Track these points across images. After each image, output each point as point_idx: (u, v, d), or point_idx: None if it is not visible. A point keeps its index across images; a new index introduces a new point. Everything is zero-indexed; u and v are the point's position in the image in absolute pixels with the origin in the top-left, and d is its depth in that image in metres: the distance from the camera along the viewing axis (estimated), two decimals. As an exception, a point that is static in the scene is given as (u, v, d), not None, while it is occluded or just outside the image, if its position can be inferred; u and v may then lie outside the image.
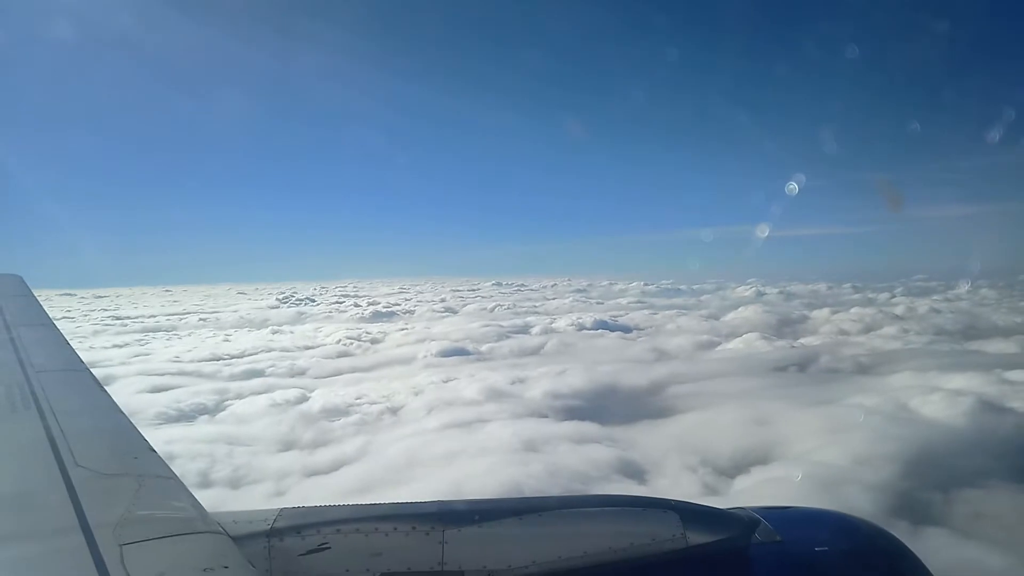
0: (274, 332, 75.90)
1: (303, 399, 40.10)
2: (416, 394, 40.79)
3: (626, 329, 75.83)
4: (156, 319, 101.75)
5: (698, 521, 2.51)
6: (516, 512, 2.52)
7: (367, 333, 73.29)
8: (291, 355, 59.28)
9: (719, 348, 58.67)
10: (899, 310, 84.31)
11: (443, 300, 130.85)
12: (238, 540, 2.40)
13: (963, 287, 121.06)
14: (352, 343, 66.88)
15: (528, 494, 21.95)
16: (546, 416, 35.51)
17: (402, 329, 78.74)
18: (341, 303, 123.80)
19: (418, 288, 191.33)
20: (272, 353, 60.38)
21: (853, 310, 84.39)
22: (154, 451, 3.29)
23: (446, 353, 57.84)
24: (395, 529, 2.36)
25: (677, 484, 24.73)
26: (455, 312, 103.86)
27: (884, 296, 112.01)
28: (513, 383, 42.61)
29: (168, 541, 2.15)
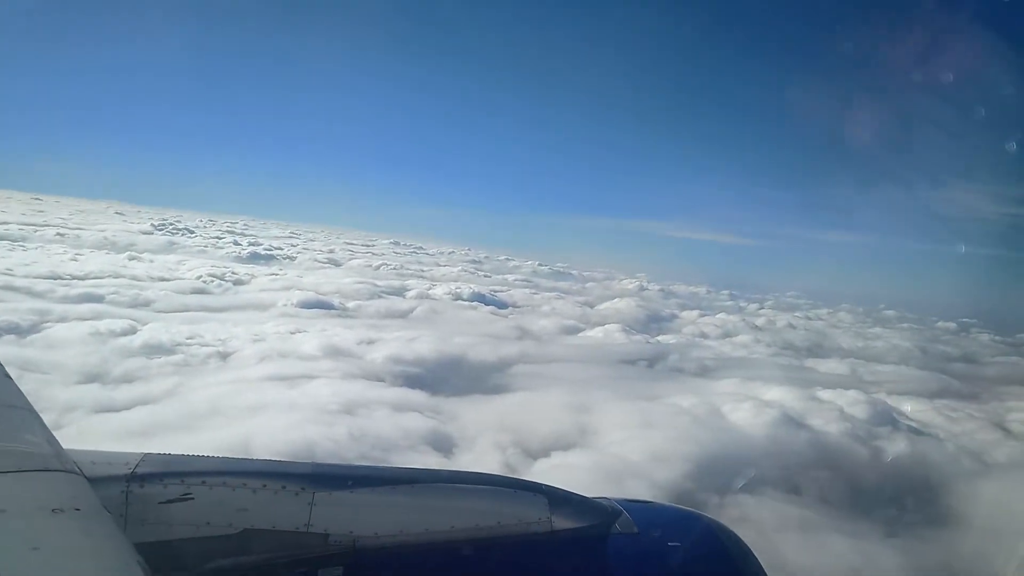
0: (131, 258, 71.14)
1: (130, 331, 37.70)
2: (255, 341, 39.24)
3: (502, 305, 76.18)
4: (7, 226, 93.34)
5: (564, 506, 2.57)
6: (390, 481, 2.50)
7: (233, 273, 70.07)
8: (140, 285, 55.75)
9: (580, 334, 59.92)
10: (760, 321, 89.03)
11: (331, 251, 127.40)
12: (94, 482, 2.18)
13: (824, 308, 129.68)
14: (212, 281, 63.67)
15: (321, 456, 21.49)
16: (382, 380, 35.04)
17: (273, 274, 75.91)
18: (221, 239, 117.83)
19: (311, 235, 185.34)
20: (120, 280, 56.61)
21: (719, 315, 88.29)
22: (9, 378, 2.92)
23: (307, 304, 56.10)
24: (264, 486, 2.28)
25: (479, 461, 24.84)
26: (338, 265, 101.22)
27: (754, 306, 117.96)
28: (361, 343, 41.82)
29: (13, 476, 1.97)
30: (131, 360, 32.20)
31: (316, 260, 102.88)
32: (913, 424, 36.67)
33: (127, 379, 29.43)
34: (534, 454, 26.36)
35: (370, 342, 42.62)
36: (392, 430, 26.35)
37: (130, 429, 23.44)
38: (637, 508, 2.79)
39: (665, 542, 2.60)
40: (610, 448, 26.76)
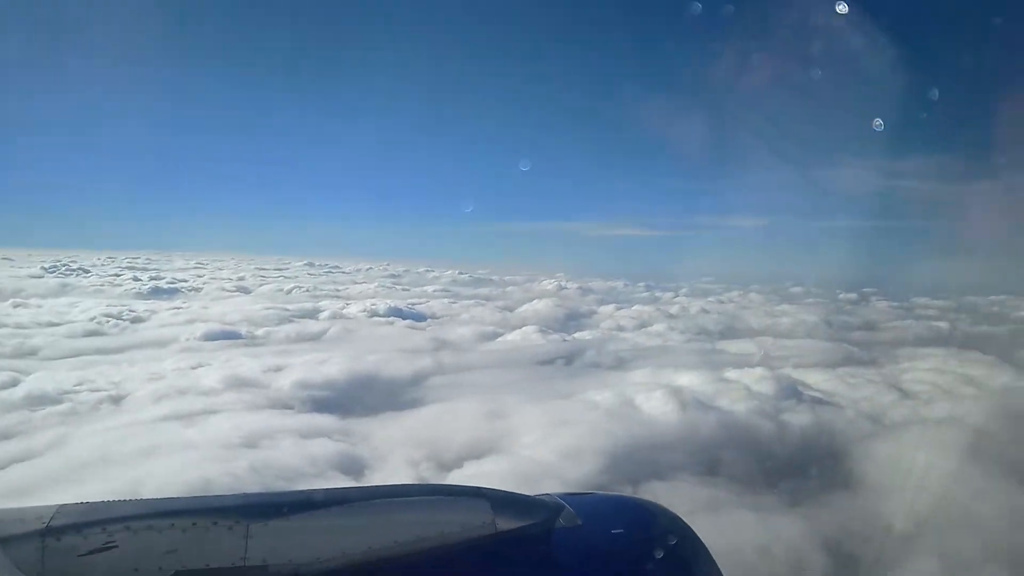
0: (16, 306, 66.44)
1: (11, 384, 35.05)
2: (151, 381, 37.20)
3: (420, 317, 75.32)
4: None
5: (506, 508, 2.50)
6: (327, 504, 2.38)
7: (131, 311, 66.46)
8: (25, 332, 52.11)
9: (498, 340, 59.86)
10: (674, 309, 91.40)
11: (240, 279, 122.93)
12: (5, 542, 2.08)
13: (736, 291, 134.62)
14: (108, 321, 60.19)
15: (219, 493, 20.39)
16: (290, 408, 33.91)
17: (176, 308, 72.42)
18: (119, 276, 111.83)
19: (219, 264, 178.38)
20: (1, 330, 52.77)
21: (635, 307, 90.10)
22: None
23: (212, 336, 53.80)
24: (194, 525, 2.13)
25: (391, 480, 24.23)
26: (247, 292, 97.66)
27: (669, 295, 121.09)
28: (267, 371, 40.33)
29: None
30: (11, 415, 29.88)
31: (224, 289, 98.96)
32: (816, 394, 38.31)
33: (5, 436, 27.24)
34: (448, 466, 25.98)
35: (278, 369, 41.18)
36: (297, 459, 25.42)
37: (9, 488, 21.72)
38: (579, 501, 2.77)
39: (608, 531, 2.61)
40: (523, 451, 26.65)
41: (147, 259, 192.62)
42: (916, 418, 35.60)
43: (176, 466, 22.99)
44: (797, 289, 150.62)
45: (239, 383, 36.57)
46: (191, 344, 50.67)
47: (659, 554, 2.58)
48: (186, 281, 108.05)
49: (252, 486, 21.81)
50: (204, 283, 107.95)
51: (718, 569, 2.61)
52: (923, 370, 48.74)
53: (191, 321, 61.21)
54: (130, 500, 2.36)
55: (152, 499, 2.39)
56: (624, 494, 3.21)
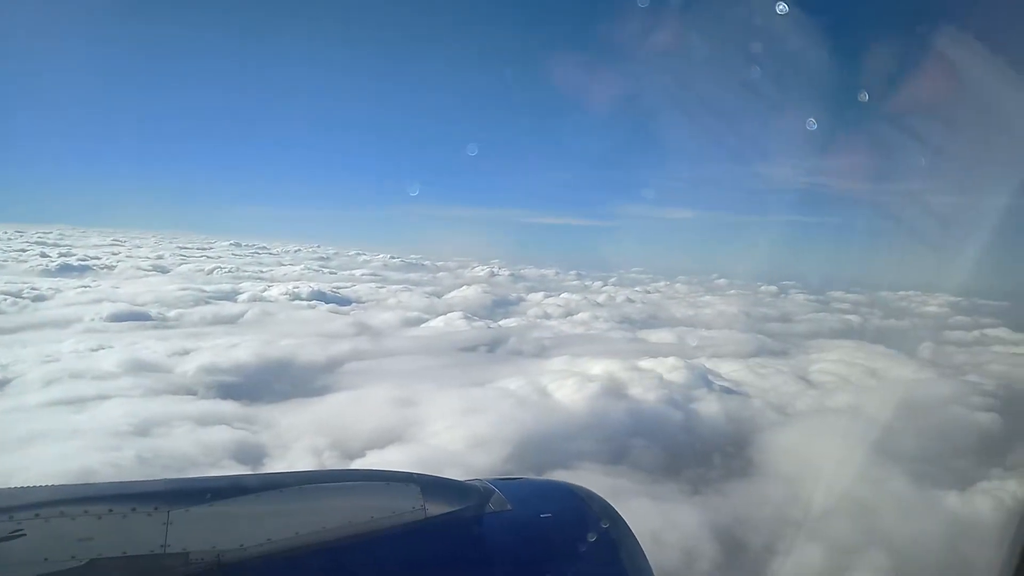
0: (-98, 283, 61.81)
1: None
2: (45, 363, 35.12)
3: (344, 302, 73.84)
4: None
5: (437, 493, 2.49)
6: (253, 490, 2.25)
7: (33, 288, 62.69)
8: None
9: (423, 326, 59.19)
10: (601, 298, 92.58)
11: (160, 257, 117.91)
12: None
13: (663, 281, 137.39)
14: (6, 299, 56.64)
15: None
16: (194, 393, 32.60)
17: (84, 287, 68.74)
18: (26, 251, 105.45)
19: (139, 242, 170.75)
20: None
21: (563, 295, 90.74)
22: None
23: (119, 317, 51.31)
24: (110, 511, 1.99)
25: (291, 468, 23.52)
26: (165, 271, 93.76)
27: (598, 284, 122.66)
28: (173, 355, 38.67)
29: None
30: None
31: (139, 268, 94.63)
32: (726, 384, 39.29)
33: None
34: (353, 455, 25.39)
35: (185, 353, 39.55)
36: (191, 447, 24.38)
37: None
38: (509, 485, 2.79)
39: (538, 514, 2.64)
40: (430, 440, 26.31)
41: (60, 234, 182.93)
42: (818, 408, 36.98)
43: (55, 455, 21.66)
44: (721, 281, 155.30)
45: (140, 367, 34.90)
46: (95, 325, 48.19)
47: (587, 537, 2.61)
48: (99, 259, 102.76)
49: (137, 476, 20.77)
50: (119, 261, 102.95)
51: (642, 551, 2.64)
52: (830, 361, 50.78)
53: (98, 301, 58.22)
54: (40, 486, 2.19)
55: (65, 485, 2.21)
56: (554, 479, 3.12)
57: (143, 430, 25.25)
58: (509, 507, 2.61)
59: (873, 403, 38.96)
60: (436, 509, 2.43)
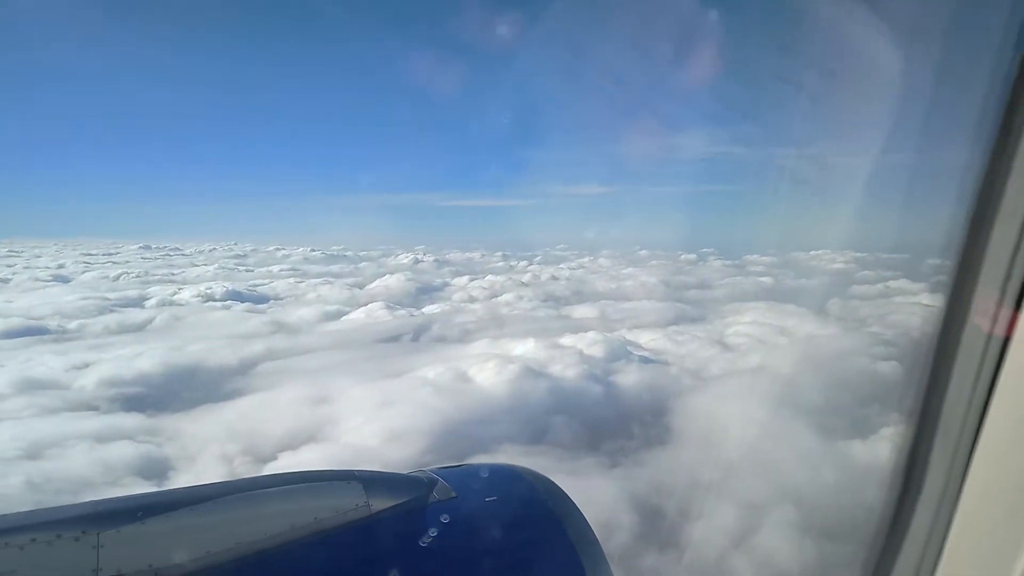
0: None
1: None
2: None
3: (261, 300, 71.59)
4: None
5: (380, 488, 2.41)
6: (187, 502, 2.11)
7: (-90, 310, 58.10)
8: None
9: (343, 319, 57.97)
10: (526, 277, 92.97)
11: (60, 266, 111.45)
12: None
13: (587, 257, 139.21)
14: None
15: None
16: (95, 409, 30.81)
17: (-27, 303, 64.23)
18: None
19: (38, 251, 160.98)
20: None
21: (488, 278, 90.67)
22: None
23: (12, 334, 48.07)
24: (33, 540, 1.86)
25: (200, 479, 22.51)
26: (66, 281, 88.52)
27: (524, 264, 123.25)
28: (70, 369, 36.46)
29: None
30: None
31: (37, 279, 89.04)
32: (645, 354, 40.01)
33: None
34: (265, 459, 24.55)
35: (85, 366, 37.35)
36: (89, 467, 22.99)
37: None
38: (453, 473, 2.73)
39: (483, 499, 2.59)
40: (344, 437, 25.69)
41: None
42: (732, 370, 38.08)
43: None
44: (643, 252, 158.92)
45: (32, 385, 32.74)
46: (-15, 343, 44.95)
47: (532, 517, 2.60)
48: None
49: (28, 504, 19.41)
50: (14, 274, 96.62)
51: (588, 525, 2.60)
52: (744, 324, 52.49)
53: (-12, 318, 54.34)
54: None
55: None
56: (498, 462, 3.00)
57: (34, 453, 23.67)
58: (454, 495, 2.56)
59: (782, 361, 40.55)
60: (380, 504, 2.37)
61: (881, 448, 25.73)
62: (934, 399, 1.56)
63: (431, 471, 2.76)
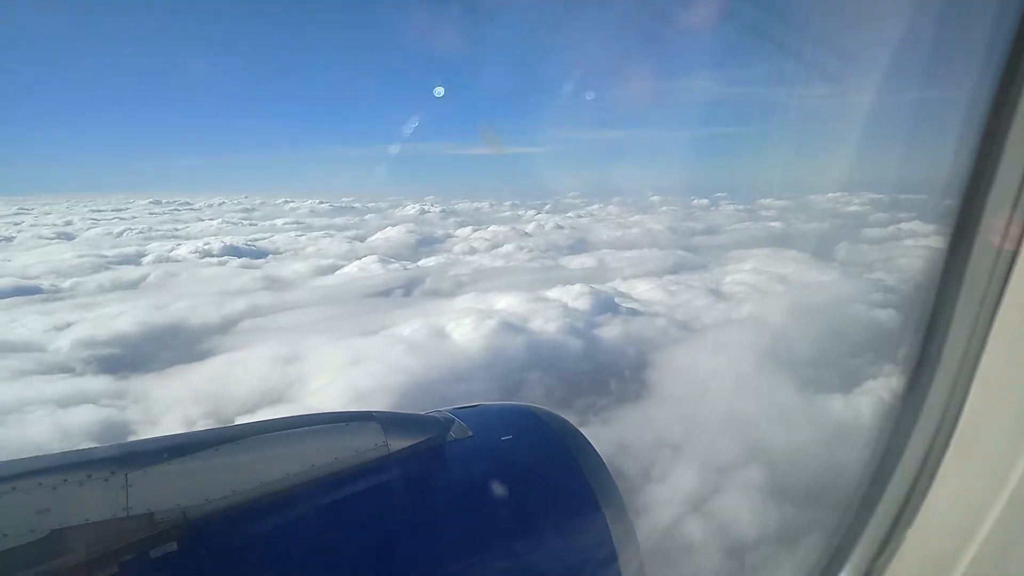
0: None
1: None
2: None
3: (259, 254, 71.17)
4: None
5: (398, 427, 2.41)
6: (211, 443, 2.13)
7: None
8: None
9: (336, 273, 57.31)
10: (530, 227, 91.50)
11: (68, 223, 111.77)
12: None
13: (597, 205, 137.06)
14: None
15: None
16: (70, 370, 30.59)
17: (-29, 262, 64.53)
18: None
19: (48, 208, 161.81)
20: None
21: (491, 228, 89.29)
22: None
23: (4, 293, 48.13)
24: (65, 481, 1.93)
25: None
26: (70, 238, 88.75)
27: (531, 213, 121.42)
28: (51, 331, 36.25)
29: None
30: None
31: (41, 237, 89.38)
32: (634, 306, 38.91)
33: None
34: (225, 422, 24.07)
35: (67, 326, 37.13)
36: (46, 432, 22.68)
37: None
38: (469, 413, 2.66)
39: (499, 438, 2.55)
40: (308, 399, 25.16)
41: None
42: (723, 321, 37.00)
43: None
44: (656, 198, 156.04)
45: (7, 347, 32.59)
46: (-29, 305, 44.96)
47: (549, 455, 2.55)
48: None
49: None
50: (19, 231, 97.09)
51: (603, 464, 2.54)
52: (744, 272, 51.08)
53: (-18, 277, 54.48)
54: None
55: (11, 460, 2.04)
56: (512, 402, 2.85)
57: (-10, 419, 23.43)
58: (470, 434, 2.52)
59: (775, 311, 39.27)
60: (399, 443, 2.34)
61: (863, 400, 24.75)
62: (940, 320, 1.59)
63: (448, 411, 2.72)
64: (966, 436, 1.50)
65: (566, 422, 2.80)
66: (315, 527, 2.12)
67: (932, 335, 1.58)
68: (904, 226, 75.27)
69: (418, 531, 2.23)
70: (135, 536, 1.90)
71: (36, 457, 2.10)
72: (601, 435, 23.06)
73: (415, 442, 2.43)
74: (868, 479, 1.78)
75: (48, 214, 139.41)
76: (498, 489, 2.40)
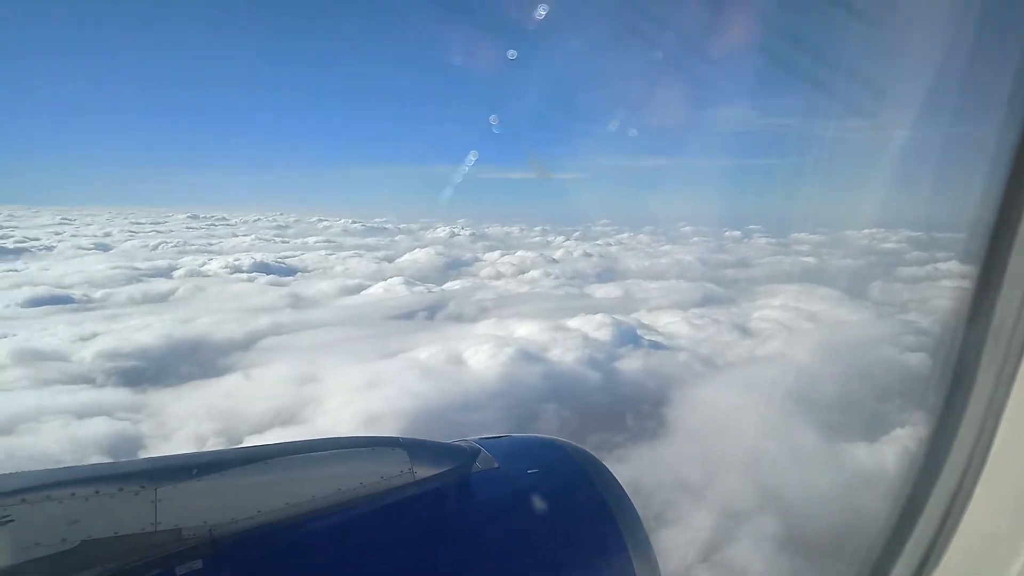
0: None
1: None
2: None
3: (288, 272, 71.93)
4: None
5: (424, 455, 2.43)
6: (239, 462, 2.17)
7: (-47, 277, 60.09)
8: None
9: (361, 293, 57.56)
10: (558, 254, 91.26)
11: (107, 234, 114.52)
12: None
13: (627, 233, 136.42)
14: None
15: None
16: (92, 382, 30.94)
17: (11, 270, 66.21)
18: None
19: (90, 218, 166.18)
20: None
21: (519, 253, 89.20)
22: None
23: (38, 302, 49.12)
24: (97, 493, 1.96)
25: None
26: (107, 249, 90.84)
27: (560, 239, 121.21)
28: (77, 341, 36.80)
29: None
30: None
31: (80, 247, 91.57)
32: (657, 339, 38.23)
33: None
34: (235, 441, 24.02)
35: (92, 337, 37.68)
36: (58, 444, 22.82)
37: None
38: (496, 444, 2.69)
39: (524, 470, 2.55)
40: (319, 420, 24.97)
41: (9, 215, 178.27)
42: (747, 358, 36.10)
43: None
44: (687, 228, 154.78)
45: (34, 356, 33.07)
46: (6, 312, 45.98)
47: (573, 488, 2.54)
48: (39, 240, 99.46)
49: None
50: (60, 241, 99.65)
51: (629, 499, 2.51)
52: (773, 308, 50.01)
53: (18, 286, 55.82)
54: (21, 472, 2.07)
55: (46, 470, 2.06)
56: (537, 434, 2.85)
57: (7, 428, 23.66)
58: (496, 465, 2.54)
59: (803, 350, 38.24)
60: (424, 471, 2.35)
61: (889, 450, 23.74)
62: (958, 392, 1.59)
63: (475, 440, 2.74)
64: (993, 478, 1.49)
65: (593, 457, 2.80)
66: (338, 551, 2.11)
67: (960, 375, 1.57)
68: (941, 266, 73.22)
69: (441, 561, 2.20)
70: (162, 551, 1.92)
71: (69, 468, 2.11)
72: (615, 472, 22.41)
73: (441, 471, 2.42)
74: (894, 520, 1.79)
75: (89, 225, 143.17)
76: (523, 522, 2.39)
